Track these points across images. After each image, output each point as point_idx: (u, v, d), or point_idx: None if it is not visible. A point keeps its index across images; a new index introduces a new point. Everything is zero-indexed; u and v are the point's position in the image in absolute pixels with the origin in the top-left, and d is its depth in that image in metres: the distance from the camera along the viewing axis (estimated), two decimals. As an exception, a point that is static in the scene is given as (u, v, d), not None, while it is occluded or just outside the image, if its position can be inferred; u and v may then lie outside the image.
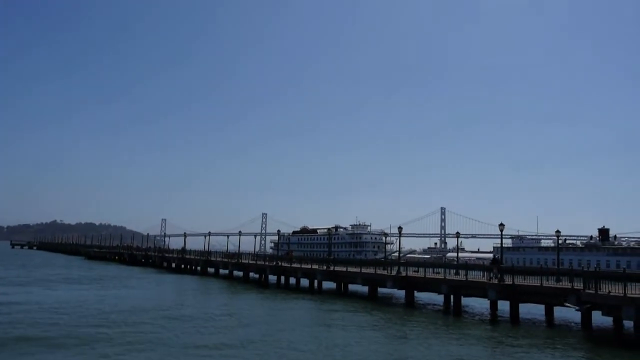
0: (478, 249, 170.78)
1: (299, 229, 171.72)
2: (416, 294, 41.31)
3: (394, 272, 43.40)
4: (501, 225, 39.40)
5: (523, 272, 36.88)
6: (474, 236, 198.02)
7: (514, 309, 33.60)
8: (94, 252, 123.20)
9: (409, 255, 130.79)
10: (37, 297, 37.43)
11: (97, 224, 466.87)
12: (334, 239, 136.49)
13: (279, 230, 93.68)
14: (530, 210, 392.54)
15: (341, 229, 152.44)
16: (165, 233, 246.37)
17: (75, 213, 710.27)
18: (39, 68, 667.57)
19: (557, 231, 50.60)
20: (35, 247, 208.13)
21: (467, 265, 39.19)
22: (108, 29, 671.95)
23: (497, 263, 39.79)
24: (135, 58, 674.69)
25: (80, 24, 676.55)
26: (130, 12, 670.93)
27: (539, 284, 32.77)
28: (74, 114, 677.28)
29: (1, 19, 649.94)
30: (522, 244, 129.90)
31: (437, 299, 41.85)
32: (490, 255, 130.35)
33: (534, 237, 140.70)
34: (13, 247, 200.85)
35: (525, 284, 33.86)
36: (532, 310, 35.86)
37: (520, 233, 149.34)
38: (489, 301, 35.71)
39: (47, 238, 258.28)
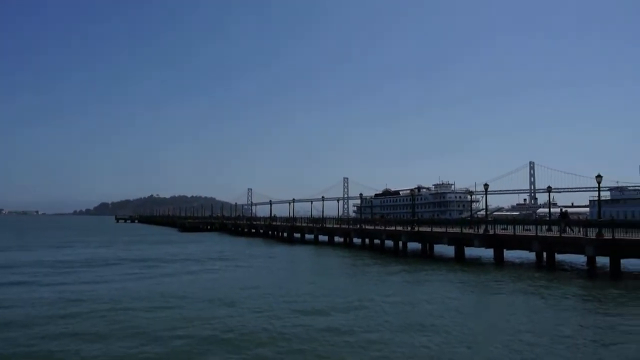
0: (572, 204, 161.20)
1: (380, 192, 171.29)
2: (505, 252, 40.01)
3: (481, 231, 42.22)
4: (599, 177, 36.71)
5: (624, 225, 34.36)
6: (566, 190, 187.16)
7: (615, 264, 31.56)
8: (188, 223, 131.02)
9: (496, 213, 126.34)
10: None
11: (188, 196, 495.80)
12: (417, 199, 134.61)
13: (361, 194, 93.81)
14: (632, 158, 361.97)
15: (424, 190, 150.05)
16: (252, 202, 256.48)
17: (169, 187, 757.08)
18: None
19: (664, 180, 46.19)
20: (136, 221, 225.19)
21: (570, 221, 37.02)
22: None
23: (566, 217, 38.24)
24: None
25: None
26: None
27: (643, 238, 30.40)
28: (169, 98, 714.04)
29: None
30: (623, 195, 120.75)
31: (529, 257, 40.28)
32: (587, 210, 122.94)
33: (637, 187, 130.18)
34: (117, 222, 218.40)
35: (628, 237, 31.55)
36: (636, 266, 33.57)
37: (621, 184, 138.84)
38: (586, 258, 33.81)
39: (147, 212, 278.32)
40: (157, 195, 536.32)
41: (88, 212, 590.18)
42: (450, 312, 20.66)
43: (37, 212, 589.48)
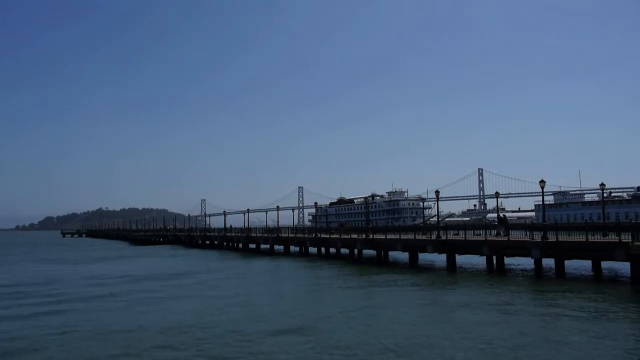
0: (519, 208, 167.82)
1: (335, 200, 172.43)
2: (457, 257, 41.06)
3: (433, 237, 43.17)
4: (542, 182, 38.34)
5: (567, 228, 36.03)
6: (513, 195, 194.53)
7: (560, 266, 33.08)
8: (139, 237, 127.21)
9: (447, 219, 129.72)
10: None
11: (139, 208, 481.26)
12: (371, 207, 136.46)
13: (316, 203, 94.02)
14: (572, 165, 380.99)
15: (378, 197, 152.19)
16: (205, 213, 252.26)
17: (118, 200, 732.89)
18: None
19: (602, 184, 48.89)
20: (84, 235, 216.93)
21: (531, 225, 38.57)
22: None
23: (503, 222, 41.02)
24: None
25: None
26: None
27: (584, 240, 31.96)
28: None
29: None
30: (565, 199, 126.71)
31: (479, 261, 41.55)
32: (532, 214, 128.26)
33: (577, 192, 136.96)
34: (64, 236, 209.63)
35: (570, 239, 33.11)
36: (578, 267, 35.31)
37: (563, 189, 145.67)
38: (533, 260, 35.20)
39: (94, 225, 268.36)
40: (106, 208, 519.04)
41: (32, 227, 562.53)
42: (405, 322, 20.88)
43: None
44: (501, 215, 43.51)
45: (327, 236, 58.66)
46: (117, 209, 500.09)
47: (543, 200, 39.75)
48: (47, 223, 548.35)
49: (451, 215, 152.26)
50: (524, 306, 23.11)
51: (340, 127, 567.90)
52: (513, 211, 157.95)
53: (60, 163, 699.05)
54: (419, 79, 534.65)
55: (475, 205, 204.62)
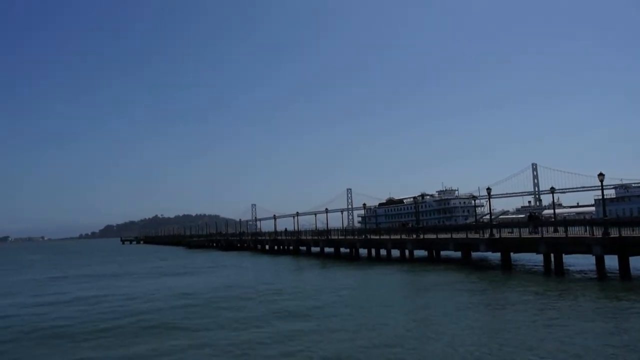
0: (577, 204, 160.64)
1: (384, 201, 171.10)
2: (512, 255, 39.84)
3: (486, 235, 42.07)
4: (601, 175, 36.56)
5: (631, 223, 34.20)
6: (571, 190, 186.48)
7: (624, 264, 31.30)
8: (194, 242, 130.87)
9: (501, 216, 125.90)
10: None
11: (193, 214, 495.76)
12: (421, 207, 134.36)
13: (364, 204, 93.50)
14: (635, 156, 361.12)
15: (428, 197, 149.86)
16: (256, 217, 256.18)
17: (174, 207, 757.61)
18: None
19: (667, 175, 46.09)
20: (141, 242, 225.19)
21: (566, 221, 36.95)
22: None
23: (534, 219, 40.09)
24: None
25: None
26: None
27: (650, 234, 30.20)
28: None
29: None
30: (627, 193, 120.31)
31: (536, 259, 40.06)
32: (592, 209, 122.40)
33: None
34: (123, 243, 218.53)
35: (635, 235, 31.33)
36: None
37: (625, 182, 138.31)
38: (594, 258, 33.58)
39: (151, 232, 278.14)
40: (162, 215, 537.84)
41: (94, 235, 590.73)
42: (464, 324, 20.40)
43: (42, 237, 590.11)
44: (532, 213, 42.54)
45: (377, 237, 58.25)
46: (172, 215, 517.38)
47: (603, 194, 37.92)
48: (107, 231, 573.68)
49: (505, 212, 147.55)
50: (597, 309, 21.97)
51: (396, 132, 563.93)
52: (571, 206, 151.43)
53: (117, 173, 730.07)
54: (471, 85, 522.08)
55: (529, 202, 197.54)
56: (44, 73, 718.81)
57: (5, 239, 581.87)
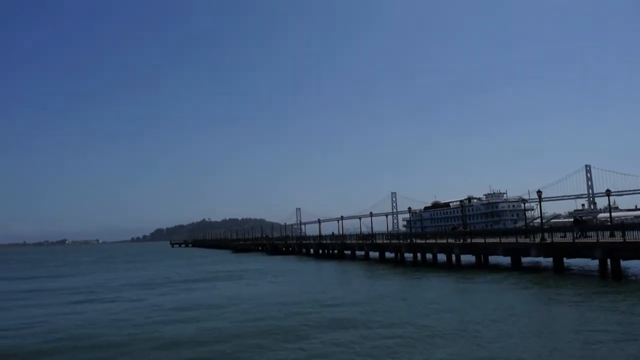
0: (636, 206, 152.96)
1: (430, 205, 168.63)
2: (565, 260, 38.41)
3: (537, 240, 40.74)
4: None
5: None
6: (628, 192, 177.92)
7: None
8: (240, 245, 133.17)
9: (553, 220, 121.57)
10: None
11: (239, 218, 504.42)
12: (468, 210, 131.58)
13: (409, 208, 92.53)
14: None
15: (475, 200, 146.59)
16: (300, 221, 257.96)
17: (220, 211, 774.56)
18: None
19: None
20: (190, 245, 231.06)
21: (624, 225, 35.18)
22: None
23: (580, 223, 38.65)
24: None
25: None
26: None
27: None
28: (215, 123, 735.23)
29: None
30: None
31: (591, 264, 38.45)
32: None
33: None
34: (172, 246, 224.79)
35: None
36: None
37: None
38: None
39: (199, 236, 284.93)
40: (209, 219, 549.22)
41: (145, 238, 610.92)
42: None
43: (97, 240, 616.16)
44: (578, 217, 40.97)
45: (423, 241, 57.47)
46: (219, 219, 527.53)
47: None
48: (157, 234, 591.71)
49: (557, 216, 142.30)
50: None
51: (444, 136, 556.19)
52: (628, 209, 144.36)
53: (166, 176, 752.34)
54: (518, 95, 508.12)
55: (583, 205, 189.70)
56: (80, 76, 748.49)
57: (63, 241, 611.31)
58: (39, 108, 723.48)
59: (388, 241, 64.67)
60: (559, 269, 37.39)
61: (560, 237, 40.56)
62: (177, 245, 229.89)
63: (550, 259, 38.86)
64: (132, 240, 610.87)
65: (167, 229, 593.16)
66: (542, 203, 48.89)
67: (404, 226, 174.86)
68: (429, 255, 54.56)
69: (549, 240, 39.21)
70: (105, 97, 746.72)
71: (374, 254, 64.82)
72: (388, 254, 62.10)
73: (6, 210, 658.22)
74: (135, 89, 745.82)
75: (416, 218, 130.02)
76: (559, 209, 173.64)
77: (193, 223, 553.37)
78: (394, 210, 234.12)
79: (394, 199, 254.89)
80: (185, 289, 39.89)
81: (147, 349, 18.50)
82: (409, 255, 57.93)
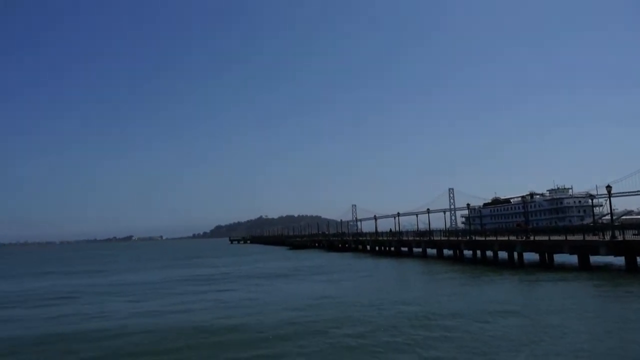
0: None
1: (489, 201, 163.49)
2: (639, 259, 36.19)
3: (607, 237, 38.62)
4: None
5: None
6: None
7: None
8: (297, 242, 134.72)
9: (624, 217, 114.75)
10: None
11: (295, 215, 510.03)
12: (530, 207, 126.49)
13: (468, 204, 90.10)
14: None
15: (537, 196, 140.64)
16: (356, 217, 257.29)
17: (277, 208, 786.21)
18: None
19: None
20: (248, 241, 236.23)
21: None
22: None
23: None
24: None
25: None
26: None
27: None
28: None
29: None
30: None
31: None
32: None
33: None
34: (231, 243, 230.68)
35: None
36: None
37: None
38: None
39: (257, 232, 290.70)
40: (266, 216, 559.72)
41: (205, 235, 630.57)
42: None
43: (161, 237, 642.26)
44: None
45: (483, 238, 55.89)
46: (276, 216, 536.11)
47: None
48: (217, 231, 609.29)
49: (629, 212, 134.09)
50: None
51: (502, 131, 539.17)
52: None
53: (225, 175, 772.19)
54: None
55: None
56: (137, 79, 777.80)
57: (129, 237, 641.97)
58: (112, 109, 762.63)
59: (446, 238, 63.42)
60: (632, 269, 35.29)
61: (633, 234, 38.29)
62: (236, 242, 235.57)
63: (622, 258, 36.77)
64: (194, 236, 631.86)
65: (227, 225, 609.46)
66: (612, 198, 46.22)
67: (462, 223, 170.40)
68: (489, 253, 53.03)
69: (620, 238, 37.09)
70: (168, 97, 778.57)
71: (432, 251, 63.77)
72: (446, 251, 60.90)
73: (78, 208, 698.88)
74: (186, 93, 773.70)
75: (475, 215, 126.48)
76: (631, 205, 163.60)
77: (250, 220, 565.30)
78: (452, 207, 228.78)
79: (451, 195, 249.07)
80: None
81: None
82: (467, 253, 56.55)
